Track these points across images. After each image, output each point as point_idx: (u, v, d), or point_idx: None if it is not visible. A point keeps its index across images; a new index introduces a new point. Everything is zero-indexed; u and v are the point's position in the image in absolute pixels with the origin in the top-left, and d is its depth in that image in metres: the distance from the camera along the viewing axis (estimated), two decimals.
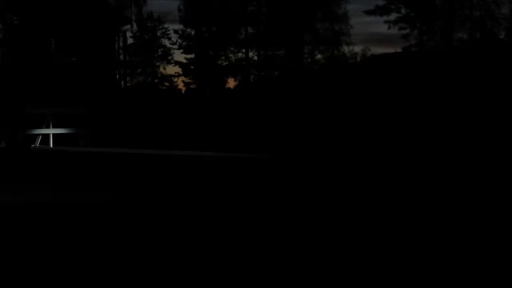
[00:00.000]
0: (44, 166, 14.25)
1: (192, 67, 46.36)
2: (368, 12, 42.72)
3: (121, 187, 10.23)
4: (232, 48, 44.98)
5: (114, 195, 9.14)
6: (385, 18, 42.72)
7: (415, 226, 6.68)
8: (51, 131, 20.25)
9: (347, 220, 7.08)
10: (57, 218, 7.29)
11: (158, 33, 48.18)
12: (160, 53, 48.26)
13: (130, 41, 47.64)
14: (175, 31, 46.81)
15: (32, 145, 19.98)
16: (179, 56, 51.86)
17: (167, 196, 9.03)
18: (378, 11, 42.53)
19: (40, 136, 20.32)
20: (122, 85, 45.66)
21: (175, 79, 48.01)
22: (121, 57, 46.50)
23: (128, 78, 47.99)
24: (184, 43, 46.52)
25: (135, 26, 47.22)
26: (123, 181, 11.16)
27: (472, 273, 4.78)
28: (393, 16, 42.53)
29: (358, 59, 41.87)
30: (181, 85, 47.13)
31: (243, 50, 44.99)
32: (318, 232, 6.38)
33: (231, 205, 8.15)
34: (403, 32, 42.35)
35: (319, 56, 43.66)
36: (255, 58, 44.95)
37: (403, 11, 42.31)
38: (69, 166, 14.20)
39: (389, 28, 42.78)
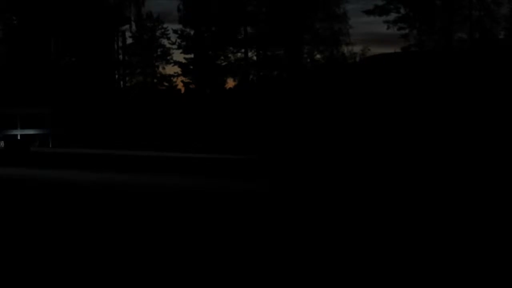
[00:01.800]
0: None
1: (191, 67, 46.31)
2: (368, 12, 42.70)
3: None
4: (231, 48, 44.95)
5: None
6: (384, 18, 42.71)
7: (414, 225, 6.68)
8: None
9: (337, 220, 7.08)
10: None
11: (157, 33, 48.14)
12: (159, 53, 48.23)
13: (129, 41, 47.64)
14: (174, 31, 46.81)
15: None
16: (178, 56, 51.90)
17: None
18: (378, 11, 42.50)
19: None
20: (122, 85, 45.61)
21: (174, 79, 48.00)
22: (120, 57, 46.46)
23: (127, 78, 47.96)
24: (183, 43, 46.48)
25: (134, 26, 47.21)
26: None
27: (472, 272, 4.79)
28: (392, 16, 42.53)
29: (358, 59, 41.83)
30: (180, 85, 47.12)
31: (242, 50, 44.97)
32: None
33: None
34: (402, 32, 42.36)
35: (318, 56, 43.62)
36: (254, 58, 44.92)
37: (402, 11, 42.31)
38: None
39: (388, 28, 42.76)
